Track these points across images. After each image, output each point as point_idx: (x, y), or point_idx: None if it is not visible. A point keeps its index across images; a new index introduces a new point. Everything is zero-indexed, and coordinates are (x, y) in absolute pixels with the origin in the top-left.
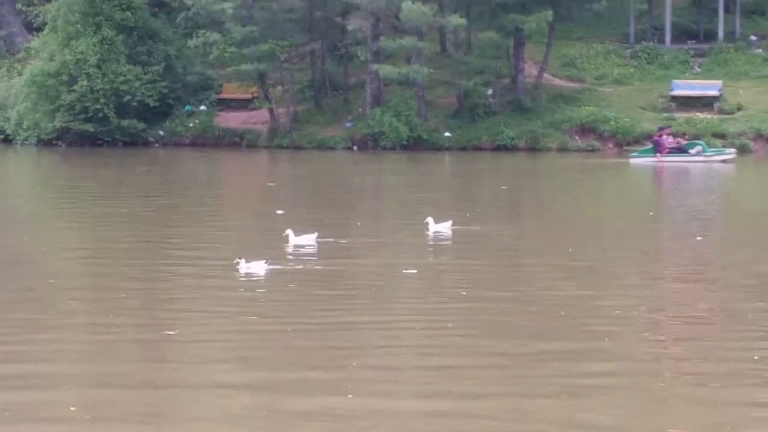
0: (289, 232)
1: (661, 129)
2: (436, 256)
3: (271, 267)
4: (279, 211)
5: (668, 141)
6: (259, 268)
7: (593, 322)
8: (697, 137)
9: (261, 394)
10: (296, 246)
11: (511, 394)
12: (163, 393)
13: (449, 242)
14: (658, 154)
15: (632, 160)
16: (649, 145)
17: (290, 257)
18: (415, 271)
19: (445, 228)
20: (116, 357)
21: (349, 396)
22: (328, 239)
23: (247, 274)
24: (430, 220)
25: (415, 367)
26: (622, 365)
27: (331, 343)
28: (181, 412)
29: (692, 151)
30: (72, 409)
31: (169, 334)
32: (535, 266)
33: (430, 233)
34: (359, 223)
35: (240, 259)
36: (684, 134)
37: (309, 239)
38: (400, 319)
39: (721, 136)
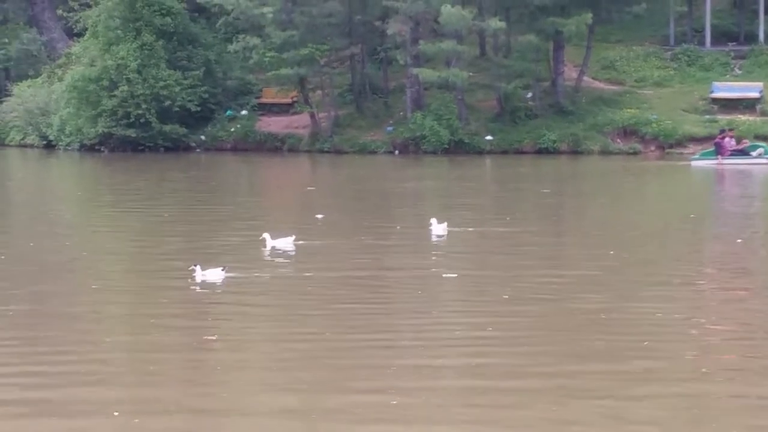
0: (265, 235)
1: (722, 132)
2: (473, 261)
3: (228, 275)
4: (318, 216)
5: (730, 144)
6: (215, 275)
7: (634, 326)
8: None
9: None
10: (274, 249)
11: (551, 389)
12: (203, 389)
13: (487, 246)
14: (719, 157)
15: (693, 163)
16: (711, 148)
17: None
18: (455, 275)
19: (442, 230)
20: (158, 362)
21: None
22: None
23: (203, 282)
24: (433, 221)
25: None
26: (665, 368)
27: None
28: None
29: (754, 154)
30: (115, 414)
31: (209, 339)
32: (575, 269)
33: (434, 235)
34: (398, 227)
35: (195, 266)
36: (744, 137)
37: (286, 242)
38: (439, 323)
39: (764, 138)
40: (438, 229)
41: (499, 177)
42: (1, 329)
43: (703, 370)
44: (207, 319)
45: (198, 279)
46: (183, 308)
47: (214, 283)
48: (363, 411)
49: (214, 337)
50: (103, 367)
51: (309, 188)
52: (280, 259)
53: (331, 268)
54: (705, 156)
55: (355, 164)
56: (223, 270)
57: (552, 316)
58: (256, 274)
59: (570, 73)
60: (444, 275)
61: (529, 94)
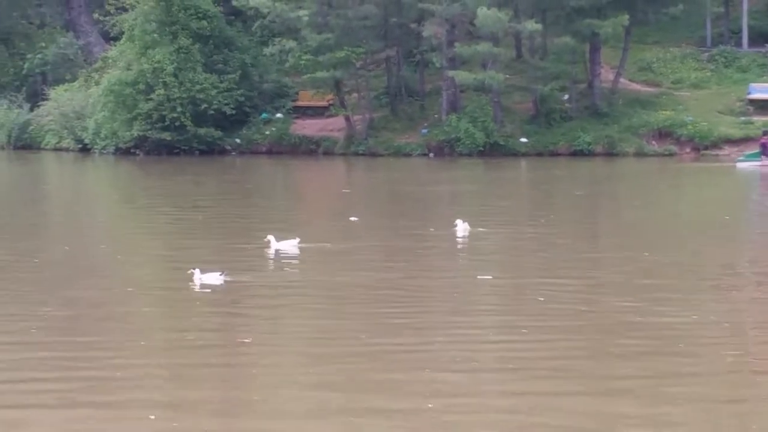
0: (270, 237)
1: (765, 132)
2: (508, 263)
3: (226, 278)
4: (352, 218)
5: None
6: (213, 279)
7: (669, 329)
8: None
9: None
10: (278, 251)
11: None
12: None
13: (522, 248)
14: (763, 157)
15: (738, 164)
16: (756, 150)
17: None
18: (490, 276)
19: (464, 231)
20: (193, 365)
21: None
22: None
23: (202, 285)
24: (458, 222)
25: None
26: (701, 370)
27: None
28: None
29: None
30: (151, 417)
31: (244, 342)
32: (609, 271)
33: (459, 236)
34: (432, 229)
35: (194, 269)
36: None
37: (291, 244)
38: (474, 325)
39: None
40: (461, 230)
41: (533, 179)
42: (37, 333)
43: (740, 371)
44: (240, 321)
45: (197, 282)
46: (217, 310)
47: (214, 286)
48: (399, 415)
49: (248, 340)
50: (138, 371)
51: (344, 191)
52: (312, 262)
53: (362, 270)
54: (750, 158)
55: (389, 167)
56: (221, 274)
57: (587, 318)
58: (288, 277)
59: (606, 75)
60: (479, 277)
61: (566, 96)
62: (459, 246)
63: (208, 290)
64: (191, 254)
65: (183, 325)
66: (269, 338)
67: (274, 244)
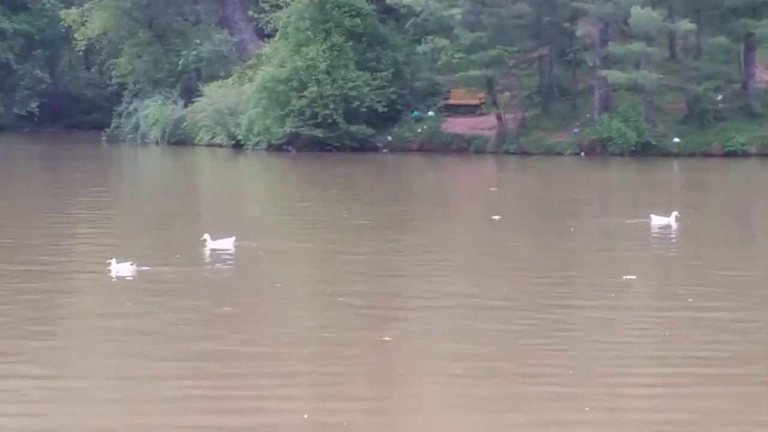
0: (206, 236)
1: None
2: (655, 263)
3: (139, 269)
4: (495, 217)
5: None
6: (126, 270)
7: None
8: None
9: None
10: (213, 250)
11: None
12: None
13: (667, 248)
14: None
15: None
16: None
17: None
18: (635, 276)
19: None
20: (339, 360)
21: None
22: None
23: (118, 276)
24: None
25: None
26: None
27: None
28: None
29: None
30: (305, 416)
31: (385, 341)
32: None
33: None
34: (572, 228)
35: (111, 259)
36: None
37: (227, 243)
38: (617, 322)
39: None
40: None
41: (687, 182)
42: (192, 327)
43: None
44: (382, 319)
45: (113, 273)
46: (365, 302)
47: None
48: (552, 416)
49: (388, 338)
50: (287, 366)
51: (491, 189)
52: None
53: (506, 268)
54: None
55: (540, 166)
56: (131, 264)
57: (740, 319)
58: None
59: (761, 75)
60: (624, 277)
61: (719, 97)
62: (600, 246)
63: (354, 284)
64: (336, 249)
65: (330, 320)
66: (412, 337)
67: (210, 244)
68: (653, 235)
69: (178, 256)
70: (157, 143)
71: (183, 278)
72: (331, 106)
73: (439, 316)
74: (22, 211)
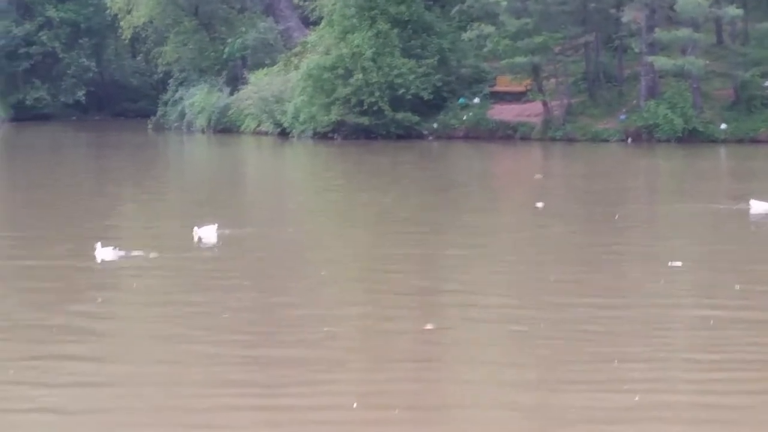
0: (196, 229)
1: None
2: (701, 251)
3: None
4: (538, 204)
5: None
6: (109, 254)
7: None
8: None
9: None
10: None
11: None
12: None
13: (715, 236)
14: None
15: None
16: None
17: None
18: (680, 263)
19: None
20: (389, 349)
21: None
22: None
23: (103, 261)
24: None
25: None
26: None
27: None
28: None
29: None
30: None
31: (428, 329)
32: None
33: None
34: (617, 216)
35: (97, 243)
36: None
37: (210, 231)
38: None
39: None
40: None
41: (733, 171)
42: (238, 313)
43: None
44: (425, 309)
45: (98, 258)
46: (407, 289)
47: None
48: (603, 410)
49: (431, 327)
50: (334, 353)
51: (536, 176)
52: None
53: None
54: None
55: (586, 153)
56: (114, 249)
57: None
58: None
59: None
60: (670, 264)
61: (767, 83)
62: (647, 232)
63: (398, 274)
64: (374, 238)
65: (374, 311)
66: (457, 327)
67: (197, 232)
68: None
69: (219, 243)
70: (202, 131)
71: (228, 264)
72: (377, 93)
73: (483, 304)
74: (75, 194)
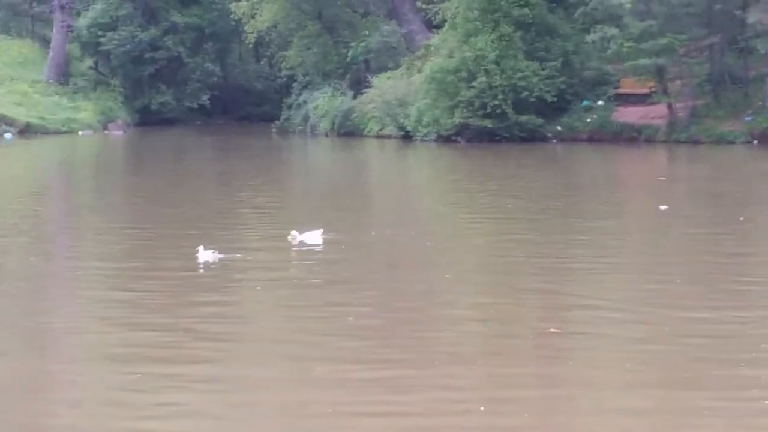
0: (200, 248)
1: None
2: None
3: (222, 255)
4: (662, 207)
5: None
6: (313, 238)
7: None
8: None
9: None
10: (302, 243)
11: None
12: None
13: None
14: None
15: None
16: None
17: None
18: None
19: None
20: (510, 354)
21: None
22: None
23: (205, 263)
24: None
25: None
26: None
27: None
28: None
29: None
30: (481, 408)
31: (551, 332)
32: None
33: None
34: (741, 218)
35: (199, 246)
36: None
37: (314, 236)
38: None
39: None
40: None
41: None
42: (360, 317)
43: None
44: (549, 309)
45: (200, 260)
46: (530, 293)
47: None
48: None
49: (555, 330)
50: (455, 348)
51: (660, 179)
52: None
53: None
54: None
55: (710, 155)
56: (213, 252)
57: None
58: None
59: None
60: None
61: None
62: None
63: (518, 276)
64: (494, 242)
65: (497, 312)
66: (583, 330)
67: (298, 237)
68: None
69: (343, 246)
70: (326, 135)
71: (355, 264)
72: (500, 96)
73: (608, 307)
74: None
